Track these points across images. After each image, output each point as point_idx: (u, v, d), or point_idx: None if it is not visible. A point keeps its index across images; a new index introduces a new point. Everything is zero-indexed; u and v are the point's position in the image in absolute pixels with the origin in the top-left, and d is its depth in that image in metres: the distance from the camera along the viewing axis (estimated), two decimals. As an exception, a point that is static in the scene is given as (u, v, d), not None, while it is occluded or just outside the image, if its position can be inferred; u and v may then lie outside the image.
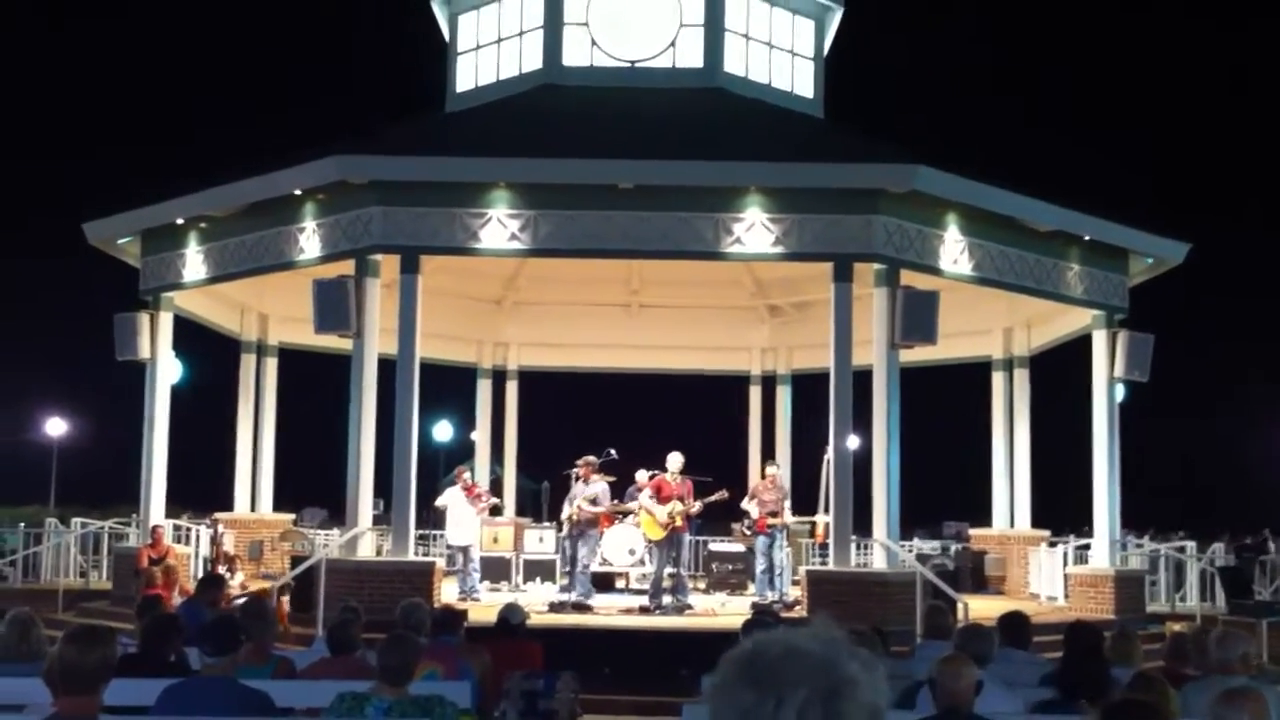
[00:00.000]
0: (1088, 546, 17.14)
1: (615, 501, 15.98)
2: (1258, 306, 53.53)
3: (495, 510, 17.44)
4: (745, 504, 15.79)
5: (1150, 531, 30.86)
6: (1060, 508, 22.21)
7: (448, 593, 15.07)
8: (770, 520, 15.26)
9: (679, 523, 14.62)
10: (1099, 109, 75.40)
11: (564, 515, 15.43)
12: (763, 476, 16.20)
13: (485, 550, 16.68)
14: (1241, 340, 52.58)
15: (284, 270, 15.63)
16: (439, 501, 16.72)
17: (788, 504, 15.73)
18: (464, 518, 16.04)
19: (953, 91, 70.18)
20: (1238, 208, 60.62)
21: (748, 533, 15.80)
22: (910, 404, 14.73)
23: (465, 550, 15.90)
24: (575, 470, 15.54)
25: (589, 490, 15.25)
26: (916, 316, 14.09)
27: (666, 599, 14.55)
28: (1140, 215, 16.88)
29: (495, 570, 17.05)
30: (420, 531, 18.55)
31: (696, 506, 14.79)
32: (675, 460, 14.97)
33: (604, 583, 16.63)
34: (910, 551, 18.65)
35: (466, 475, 16.93)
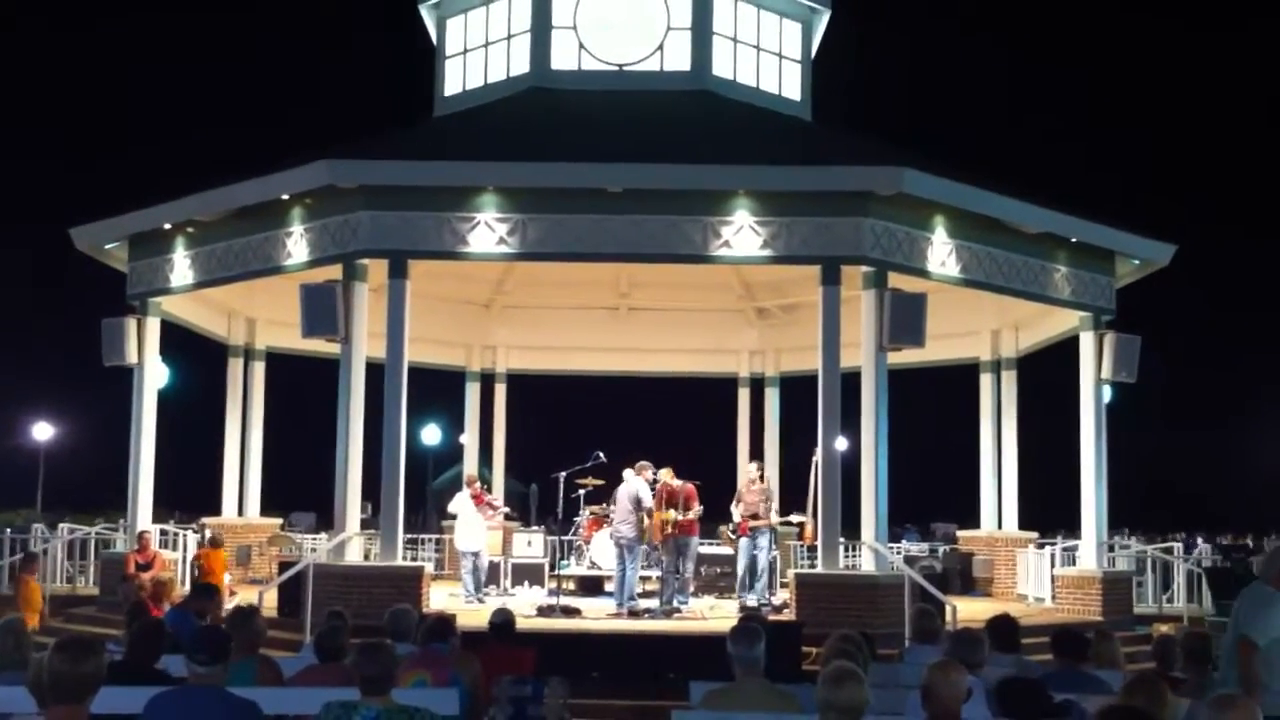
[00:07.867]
0: (1075, 548, 17.18)
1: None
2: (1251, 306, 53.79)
3: (508, 517, 17.54)
4: (732, 508, 15.82)
5: (1138, 533, 30.92)
6: (1048, 509, 22.26)
7: (436, 597, 15.06)
8: (752, 522, 15.28)
9: (669, 531, 14.68)
10: (1093, 108, 75.65)
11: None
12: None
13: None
14: (1236, 343, 52.86)
15: (272, 275, 15.61)
16: (450, 506, 17.04)
17: (774, 504, 15.69)
18: (471, 523, 16.27)
19: (942, 90, 70.41)
20: (1232, 208, 60.95)
21: (732, 536, 15.78)
22: (898, 406, 14.74)
23: (476, 555, 16.11)
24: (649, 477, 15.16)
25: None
26: (904, 319, 14.11)
27: (653, 603, 14.58)
28: (1132, 216, 16.93)
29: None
30: (409, 535, 18.57)
31: (692, 514, 14.80)
32: (663, 472, 15.01)
33: (593, 586, 16.65)
34: (898, 553, 18.68)
35: (478, 484, 17.13)
